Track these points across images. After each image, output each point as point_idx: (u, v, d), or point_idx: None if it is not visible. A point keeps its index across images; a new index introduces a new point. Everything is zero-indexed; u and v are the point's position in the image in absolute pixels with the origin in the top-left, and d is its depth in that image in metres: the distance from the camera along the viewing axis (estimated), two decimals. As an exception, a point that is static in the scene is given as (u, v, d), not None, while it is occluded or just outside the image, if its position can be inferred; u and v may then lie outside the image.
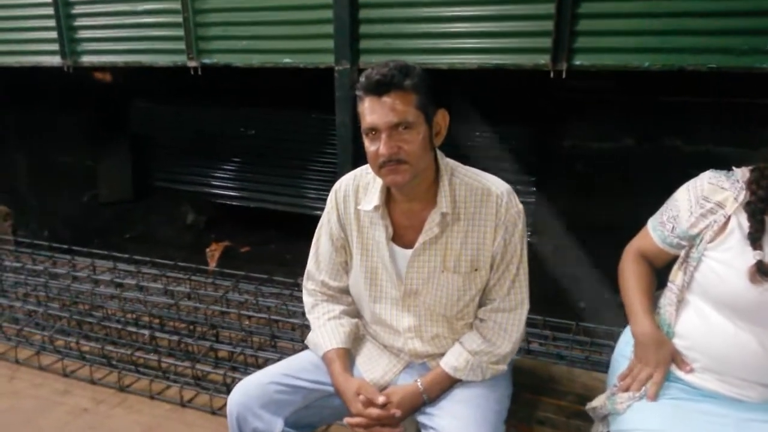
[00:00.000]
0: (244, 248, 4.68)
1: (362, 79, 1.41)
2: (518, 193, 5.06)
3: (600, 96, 4.71)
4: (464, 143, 4.75)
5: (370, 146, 1.42)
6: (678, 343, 1.46)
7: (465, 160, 1.64)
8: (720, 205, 1.37)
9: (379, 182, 1.52)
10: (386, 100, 1.37)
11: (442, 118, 1.47)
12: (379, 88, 1.37)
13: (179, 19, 3.60)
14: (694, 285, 1.42)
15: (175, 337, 2.78)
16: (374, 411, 1.44)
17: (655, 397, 1.41)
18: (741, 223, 1.34)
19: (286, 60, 3.51)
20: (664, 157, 4.21)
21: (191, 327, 2.99)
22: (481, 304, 1.57)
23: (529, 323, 2.78)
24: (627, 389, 1.45)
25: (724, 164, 1.49)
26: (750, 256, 1.30)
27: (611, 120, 4.31)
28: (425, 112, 1.41)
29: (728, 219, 1.36)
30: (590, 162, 4.31)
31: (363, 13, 3.30)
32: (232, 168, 5.34)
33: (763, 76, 2.59)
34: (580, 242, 4.03)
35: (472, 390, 1.51)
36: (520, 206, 1.51)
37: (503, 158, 4.52)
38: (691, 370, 1.41)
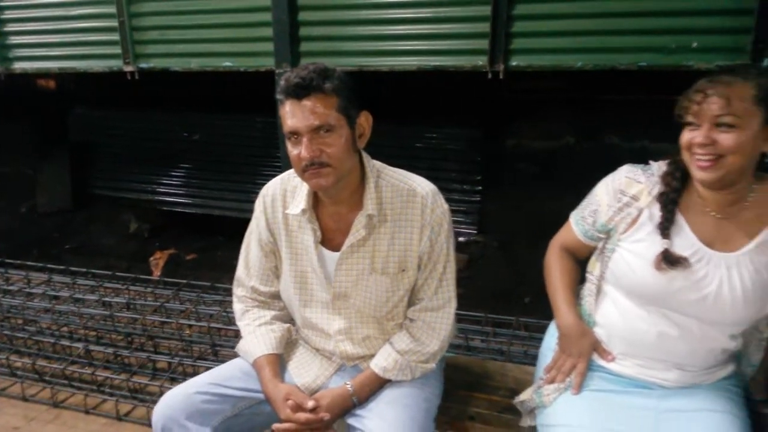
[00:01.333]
0: (190, 256, 4.59)
1: (282, 82, 1.39)
2: (465, 192, 5.11)
3: (544, 96, 4.83)
4: (412, 144, 4.79)
5: (292, 150, 1.40)
6: (599, 332, 1.49)
7: (413, 161, 1.65)
8: (635, 198, 1.41)
9: (306, 186, 1.51)
10: (306, 103, 1.35)
11: (365, 120, 1.46)
12: (299, 91, 1.35)
13: (115, 23, 3.50)
14: (609, 275, 1.46)
15: (111, 350, 2.70)
16: (303, 415, 1.42)
17: (579, 388, 1.44)
18: (653, 215, 1.38)
19: (226, 63, 3.45)
20: (604, 154, 4.34)
21: (129, 338, 2.90)
22: (410, 304, 1.57)
23: (472, 320, 2.81)
24: (552, 381, 1.48)
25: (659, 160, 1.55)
26: (659, 247, 1.35)
27: (554, 119, 4.42)
28: (347, 115, 1.40)
29: (641, 212, 1.40)
30: (533, 160, 4.40)
31: (303, 16, 3.28)
32: (177, 174, 5.23)
33: (694, 73, 2.69)
34: (525, 239, 4.12)
35: (401, 390, 1.51)
36: (446, 206, 1.52)
37: (450, 159, 4.58)
38: (613, 359, 1.45)
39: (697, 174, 1.29)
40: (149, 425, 2.40)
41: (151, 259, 4.46)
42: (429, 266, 1.51)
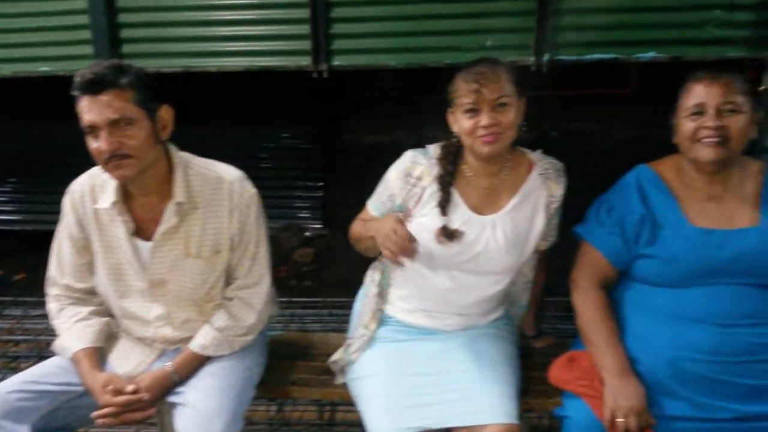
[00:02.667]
0: (20, 275, 4.28)
1: (77, 79, 1.44)
2: (307, 188, 5.27)
3: (379, 95, 5.11)
4: (256, 146, 4.86)
5: (92, 144, 1.45)
6: (396, 292, 1.71)
7: (256, 162, 1.74)
8: (419, 178, 1.63)
9: (114, 179, 1.56)
10: (102, 98, 1.41)
11: (165, 112, 1.55)
12: (94, 86, 1.41)
13: None
14: None
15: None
16: (122, 398, 1.48)
17: None
18: (434, 193, 1.62)
19: (43, 68, 3.30)
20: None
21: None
22: (227, 285, 1.68)
23: (311, 305, 2.98)
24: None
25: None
26: (439, 222, 1.58)
27: (386, 116, 4.73)
28: (146, 108, 1.48)
29: (424, 190, 1.63)
30: (369, 154, 4.68)
31: (123, 18, 3.23)
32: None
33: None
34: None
35: (221, 363, 1.61)
36: (253, 191, 1.65)
37: (292, 157, 4.72)
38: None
39: (484, 149, 1.52)
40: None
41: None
42: (241, 247, 1.63)
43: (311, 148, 4.80)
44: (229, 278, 1.67)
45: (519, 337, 1.86)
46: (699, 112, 1.47)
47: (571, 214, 1.72)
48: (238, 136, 4.79)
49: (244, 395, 1.59)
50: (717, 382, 1.44)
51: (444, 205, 1.59)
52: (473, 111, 1.50)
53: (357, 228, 1.73)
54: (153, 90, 1.50)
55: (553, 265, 1.83)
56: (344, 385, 1.71)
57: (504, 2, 2.96)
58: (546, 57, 2.96)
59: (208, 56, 3.24)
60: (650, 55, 2.91)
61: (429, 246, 1.58)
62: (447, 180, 1.60)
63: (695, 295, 1.49)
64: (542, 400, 1.67)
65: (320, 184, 4.65)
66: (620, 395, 1.43)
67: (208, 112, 4.93)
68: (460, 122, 1.54)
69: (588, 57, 2.95)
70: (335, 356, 1.74)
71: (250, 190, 1.64)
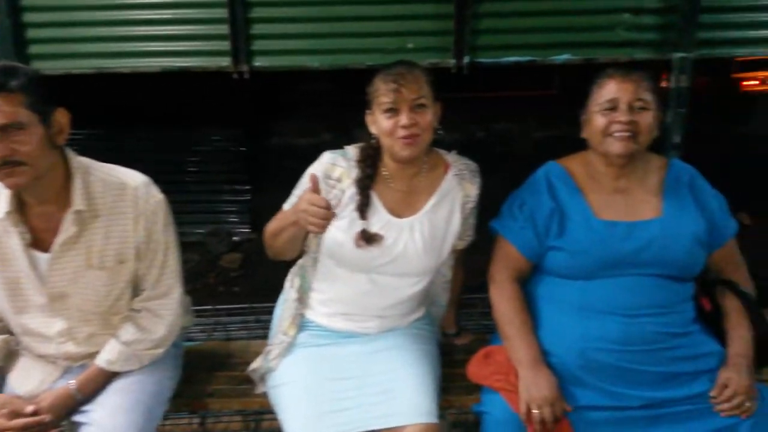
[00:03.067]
0: None
1: None
2: (234, 192, 5.15)
3: (306, 97, 5.06)
4: (178, 150, 4.72)
5: None
6: (316, 297, 1.69)
7: (179, 166, 1.65)
8: (338, 180, 1.61)
9: (7, 189, 1.46)
10: None
11: (61, 116, 1.46)
12: None
13: None
14: (323, 248, 1.65)
15: None
16: (20, 421, 1.39)
17: None
18: (353, 195, 1.60)
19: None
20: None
21: None
22: (135, 296, 1.61)
23: (237, 312, 2.92)
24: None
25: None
26: (358, 225, 1.57)
27: (314, 118, 4.70)
28: (39, 112, 1.39)
29: (344, 193, 1.61)
30: (296, 157, 4.62)
31: (28, 17, 3.07)
32: None
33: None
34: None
35: (129, 378, 1.54)
36: (160, 196, 1.58)
37: (216, 161, 4.61)
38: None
39: (404, 152, 1.52)
40: None
41: None
42: (149, 255, 1.57)
43: (239, 150, 4.71)
44: (136, 289, 1.60)
45: (440, 335, 1.88)
46: (611, 107, 1.53)
47: (496, 212, 1.75)
48: (162, 140, 4.64)
49: (155, 411, 1.52)
50: (625, 370, 1.50)
51: (363, 209, 1.58)
52: (392, 111, 1.50)
53: (271, 225, 1.65)
54: (47, 92, 1.42)
55: (480, 263, 1.84)
56: (265, 394, 1.67)
57: (423, 5, 3.01)
58: (466, 59, 3.02)
59: (121, 57, 3.12)
60: (564, 57, 3.02)
61: (348, 249, 1.57)
62: (366, 183, 1.59)
63: (602, 286, 1.54)
64: (463, 397, 1.69)
65: (248, 187, 4.55)
66: (533, 387, 1.47)
67: (130, 114, 4.77)
68: (379, 123, 1.53)
69: (506, 59, 3.03)
70: (254, 364, 1.69)
71: (156, 196, 1.57)
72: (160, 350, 1.60)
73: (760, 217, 4.93)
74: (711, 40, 3.02)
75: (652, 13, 2.98)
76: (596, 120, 1.56)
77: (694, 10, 2.90)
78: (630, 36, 3.01)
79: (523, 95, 5.85)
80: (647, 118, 1.52)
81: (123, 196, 1.53)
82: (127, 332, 1.56)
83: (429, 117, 1.52)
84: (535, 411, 1.45)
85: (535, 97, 5.75)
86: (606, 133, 1.54)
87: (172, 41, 3.11)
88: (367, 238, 1.56)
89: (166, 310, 1.60)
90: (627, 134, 1.51)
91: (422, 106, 1.51)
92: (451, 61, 3.05)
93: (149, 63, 3.13)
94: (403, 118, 1.49)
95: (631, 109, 1.51)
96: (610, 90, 1.54)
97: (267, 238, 1.66)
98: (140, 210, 1.53)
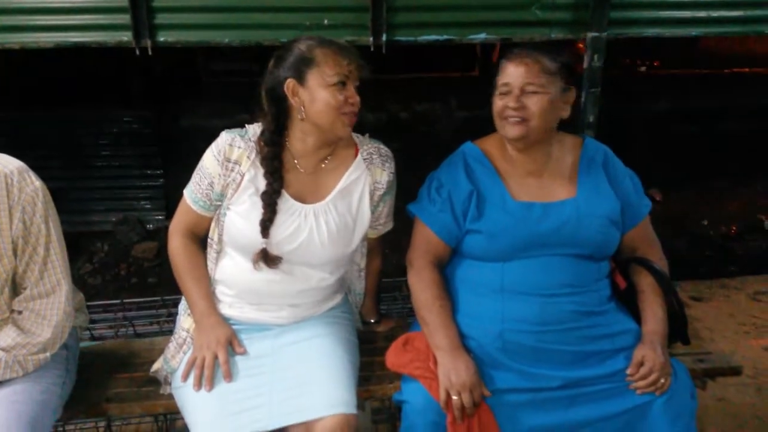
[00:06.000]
0: None
1: None
2: (146, 177, 4.86)
3: (223, 75, 4.84)
4: (81, 132, 4.39)
5: None
6: (221, 290, 1.58)
7: (83, 149, 1.46)
8: (237, 162, 1.50)
9: None
10: None
11: None
12: None
13: None
14: (225, 237, 1.54)
15: None
16: None
17: (229, 376, 1.45)
18: (254, 177, 1.49)
19: None
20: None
21: None
22: (15, 295, 1.44)
23: (146, 306, 2.75)
24: (199, 381, 1.45)
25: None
26: (259, 211, 1.46)
27: (232, 98, 4.48)
28: None
29: (243, 176, 1.49)
30: (211, 139, 4.40)
31: None
32: None
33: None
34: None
35: (11, 387, 1.38)
36: (38, 183, 1.42)
37: (125, 144, 4.33)
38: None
39: (345, 130, 1.47)
40: None
41: None
42: (28, 250, 1.40)
43: (151, 132, 4.43)
44: (16, 288, 1.43)
45: (360, 323, 1.81)
46: (507, 91, 1.51)
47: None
48: (66, 121, 4.29)
49: (42, 422, 1.37)
50: (542, 351, 1.49)
51: (266, 225, 1.46)
52: (341, 84, 1.43)
53: (176, 251, 1.61)
54: None
55: (407, 246, 1.76)
56: (171, 396, 1.55)
57: (338, -19, 2.89)
58: (384, 38, 2.94)
59: (9, 31, 2.82)
60: (482, 36, 2.99)
61: (251, 239, 1.47)
62: (275, 166, 1.48)
63: (519, 268, 1.53)
64: (383, 386, 1.64)
65: (161, 171, 4.30)
66: (452, 373, 1.43)
67: (28, 93, 4.39)
68: (318, 96, 1.43)
69: (424, 38, 2.97)
70: (156, 365, 1.57)
71: (33, 183, 1.40)
72: (47, 354, 1.45)
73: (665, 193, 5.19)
74: (623, 19, 3.07)
75: (565, -8, 3.00)
76: (495, 103, 1.55)
77: (606, -11, 2.93)
78: (545, 16, 3.01)
79: (446, 76, 5.88)
80: (539, 101, 1.49)
81: (-6, 185, 1.35)
82: (8, 337, 1.40)
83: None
84: (454, 398, 1.41)
85: (458, 78, 5.79)
86: (501, 116, 1.53)
87: (66, 14, 2.84)
88: (266, 259, 1.47)
89: (51, 311, 1.44)
90: (517, 119, 1.50)
91: (358, 87, 1.47)
92: (369, 39, 2.95)
93: (40, 38, 2.85)
94: (352, 94, 1.44)
95: (522, 92, 1.49)
96: (505, 73, 1.52)
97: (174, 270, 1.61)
98: (14, 200, 1.37)
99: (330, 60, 1.43)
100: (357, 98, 1.45)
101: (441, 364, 1.46)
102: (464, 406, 1.41)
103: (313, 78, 1.43)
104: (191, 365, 1.47)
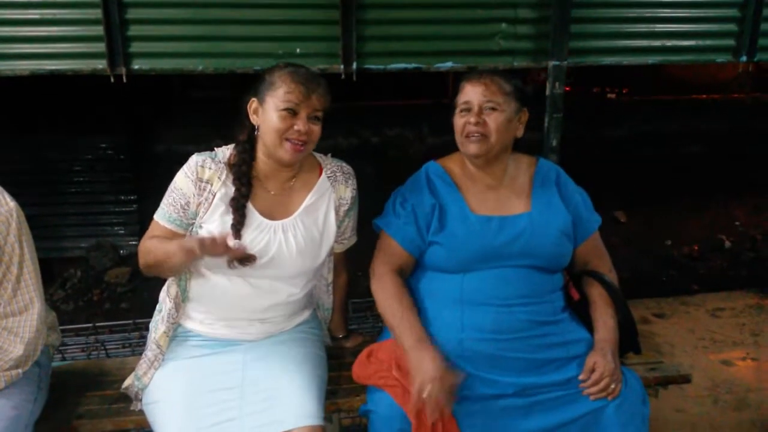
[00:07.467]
0: None
1: None
2: (120, 203, 4.82)
3: (197, 102, 4.89)
4: (63, 155, 4.39)
5: None
6: (193, 306, 1.63)
7: (61, 174, 1.49)
8: (209, 182, 1.56)
9: None
10: None
11: None
12: None
13: None
14: None
15: None
16: None
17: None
18: (224, 195, 1.55)
19: None
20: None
21: None
22: None
23: (117, 330, 2.76)
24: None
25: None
26: (230, 230, 1.52)
27: (207, 125, 4.54)
28: None
29: (215, 195, 1.55)
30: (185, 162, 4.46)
31: None
32: None
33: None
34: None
35: (-18, 403, 1.41)
36: (12, 204, 1.47)
37: (98, 170, 4.34)
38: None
39: (287, 156, 1.51)
40: None
41: None
42: (1, 269, 1.45)
43: (123, 158, 4.46)
44: None
45: (329, 338, 1.87)
46: (467, 109, 1.62)
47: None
48: (39, 147, 4.29)
49: (13, 436, 1.40)
50: (500, 358, 1.56)
51: (238, 228, 1.52)
52: (291, 112, 1.49)
53: (155, 250, 1.54)
54: None
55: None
56: (142, 412, 1.58)
57: (308, 11, 3.00)
58: (354, 66, 3.04)
59: (-16, 59, 2.86)
60: (448, 65, 3.12)
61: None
62: (241, 202, 1.53)
63: (478, 279, 1.61)
64: (351, 399, 1.69)
65: (134, 197, 4.32)
66: (419, 369, 1.45)
67: (2, 119, 4.40)
68: (269, 117, 1.50)
69: (393, 66, 3.08)
70: (127, 382, 1.61)
71: (7, 204, 1.45)
72: (19, 371, 1.48)
73: (630, 214, 5.34)
74: (582, 49, 3.22)
75: (527, 23, 3.15)
76: (456, 122, 1.66)
77: (565, 20, 3.08)
78: (508, 45, 3.16)
79: (418, 103, 6.03)
80: (497, 119, 1.60)
81: (-31, 206, 1.40)
82: (-20, 353, 1.43)
83: (319, 130, 1.54)
84: (424, 394, 1.42)
85: (428, 105, 5.94)
86: (462, 134, 1.64)
87: (41, 43, 2.89)
88: (240, 258, 1.52)
89: (24, 328, 1.48)
90: (477, 135, 1.60)
91: (317, 119, 1.52)
92: (340, 67, 3.06)
93: (16, 66, 2.90)
94: (301, 124, 1.49)
95: (481, 110, 1.60)
96: (465, 92, 1.64)
97: (146, 263, 1.58)
98: None
99: (285, 86, 1.49)
100: (305, 128, 1.49)
101: (410, 361, 1.49)
102: (437, 398, 1.41)
103: (269, 100, 1.51)
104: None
